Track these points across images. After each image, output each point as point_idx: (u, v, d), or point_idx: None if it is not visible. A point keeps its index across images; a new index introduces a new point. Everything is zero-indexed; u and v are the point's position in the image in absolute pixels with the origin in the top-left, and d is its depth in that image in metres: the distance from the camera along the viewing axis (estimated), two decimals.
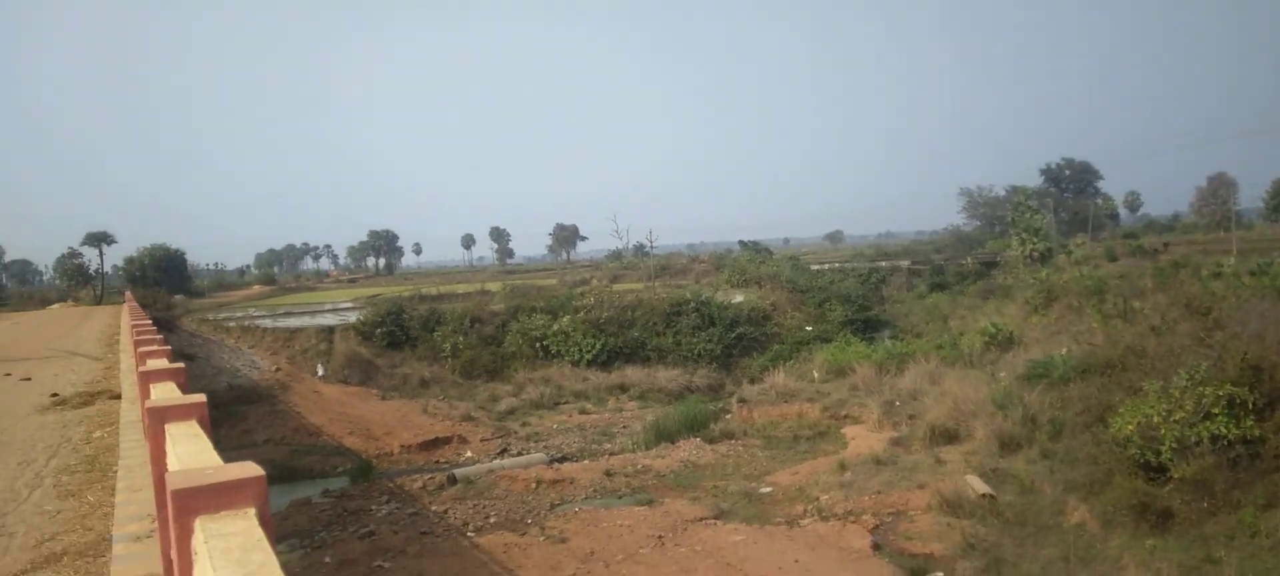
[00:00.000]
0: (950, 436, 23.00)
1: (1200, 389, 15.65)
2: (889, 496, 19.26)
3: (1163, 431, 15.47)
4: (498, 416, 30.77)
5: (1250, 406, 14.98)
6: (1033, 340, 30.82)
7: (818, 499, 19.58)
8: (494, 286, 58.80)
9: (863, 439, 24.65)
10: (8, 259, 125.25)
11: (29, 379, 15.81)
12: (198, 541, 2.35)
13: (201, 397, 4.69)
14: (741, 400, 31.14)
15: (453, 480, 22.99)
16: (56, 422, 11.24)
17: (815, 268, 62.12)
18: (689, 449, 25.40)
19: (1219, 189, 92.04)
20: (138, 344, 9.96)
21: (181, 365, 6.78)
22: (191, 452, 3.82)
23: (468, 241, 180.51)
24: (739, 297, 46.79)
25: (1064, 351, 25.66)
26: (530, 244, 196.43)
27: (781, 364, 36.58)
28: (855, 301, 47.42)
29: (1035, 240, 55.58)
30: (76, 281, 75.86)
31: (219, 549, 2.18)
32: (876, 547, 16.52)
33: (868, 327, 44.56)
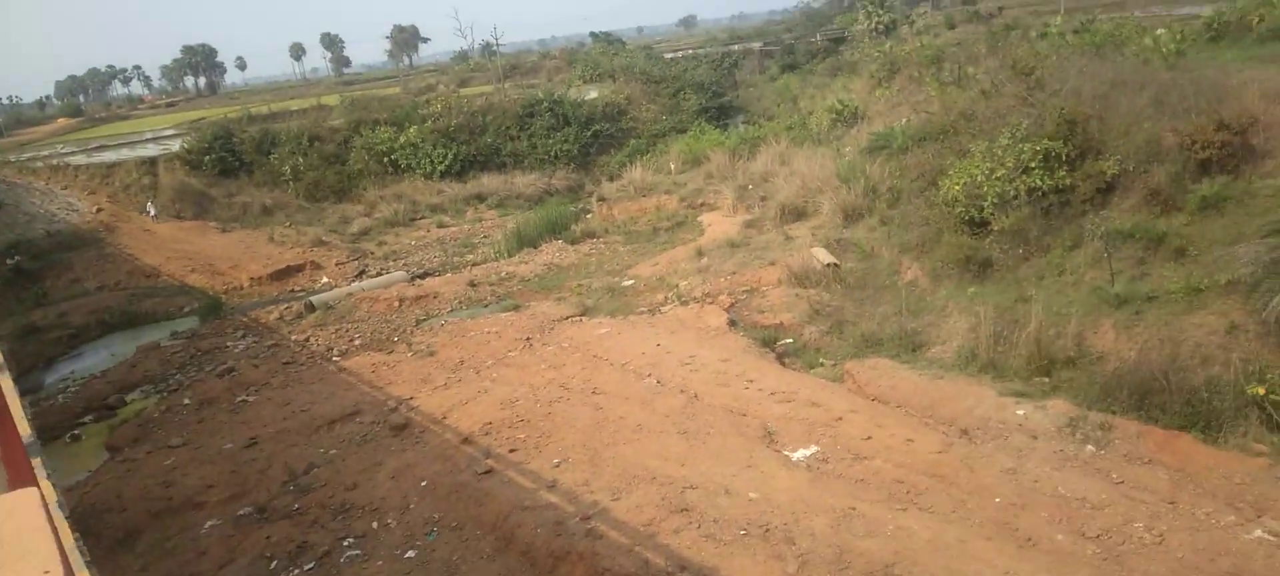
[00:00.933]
0: (799, 213, 24.03)
1: (1021, 146, 16.76)
2: (743, 275, 20.16)
3: (986, 188, 16.64)
4: (351, 238, 29.77)
5: (1064, 158, 16.18)
6: (877, 113, 31.91)
7: (677, 286, 20.28)
8: (331, 100, 55.20)
9: (718, 225, 25.40)
10: None
11: None
12: None
13: None
14: (601, 199, 31.27)
15: (310, 307, 22.39)
16: None
17: (669, 56, 61.28)
18: (552, 252, 25.54)
19: None
20: None
21: None
22: None
23: (297, 51, 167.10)
24: (593, 93, 45.87)
25: (904, 122, 26.77)
26: (367, 51, 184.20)
27: (639, 159, 36.69)
28: (709, 89, 47.42)
29: (880, 12, 56.33)
30: None
31: None
32: (732, 324, 17.42)
33: (722, 114, 44.92)
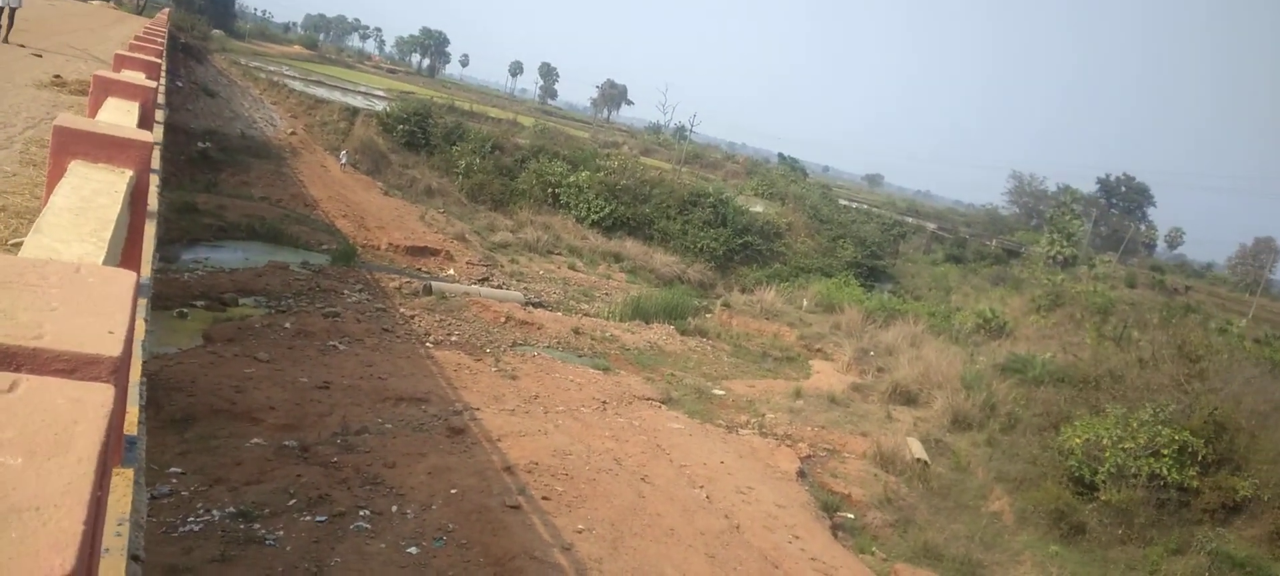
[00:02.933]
0: (910, 398, 23.24)
1: (1159, 428, 15.72)
2: (831, 433, 19.61)
3: (1108, 453, 15.64)
4: (490, 246, 31.01)
5: (1199, 459, 15.06)
6: (1024, 336, 30.76)
7: (763, 415, 19.94)
8: (527, 120, 58.21)
9: (827, 375, 24.90)
10: None
11: (40, 55, 15.85)
12: (66, 177, 2.35)
13: (154, 85, 4.67)
14: (726, 305, 31.33)
15: (428, 290, 23.36)
16: (48, 100, 11.32)
17: (843, 203, 61.36)
18: (660, 333, 25.70)
19: (1261, 252, 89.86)
20: (136, 42, 9.91)
21: (157, 62, 6.74)
22: (114, 119, 3.82)
23: (516, 68, 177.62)
24: (759, 207, 46.41)
25: (1048, 355, 25.66)
26: (576, 91, 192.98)
27: (776, 283, 36.63)
28: (869, 246, 47.06)
29: (1064, 244, 54.66)
30: None
31: (71, 184, 2.18)
32: (801, 474, 16.91)
33: (872, 275, 44.39)
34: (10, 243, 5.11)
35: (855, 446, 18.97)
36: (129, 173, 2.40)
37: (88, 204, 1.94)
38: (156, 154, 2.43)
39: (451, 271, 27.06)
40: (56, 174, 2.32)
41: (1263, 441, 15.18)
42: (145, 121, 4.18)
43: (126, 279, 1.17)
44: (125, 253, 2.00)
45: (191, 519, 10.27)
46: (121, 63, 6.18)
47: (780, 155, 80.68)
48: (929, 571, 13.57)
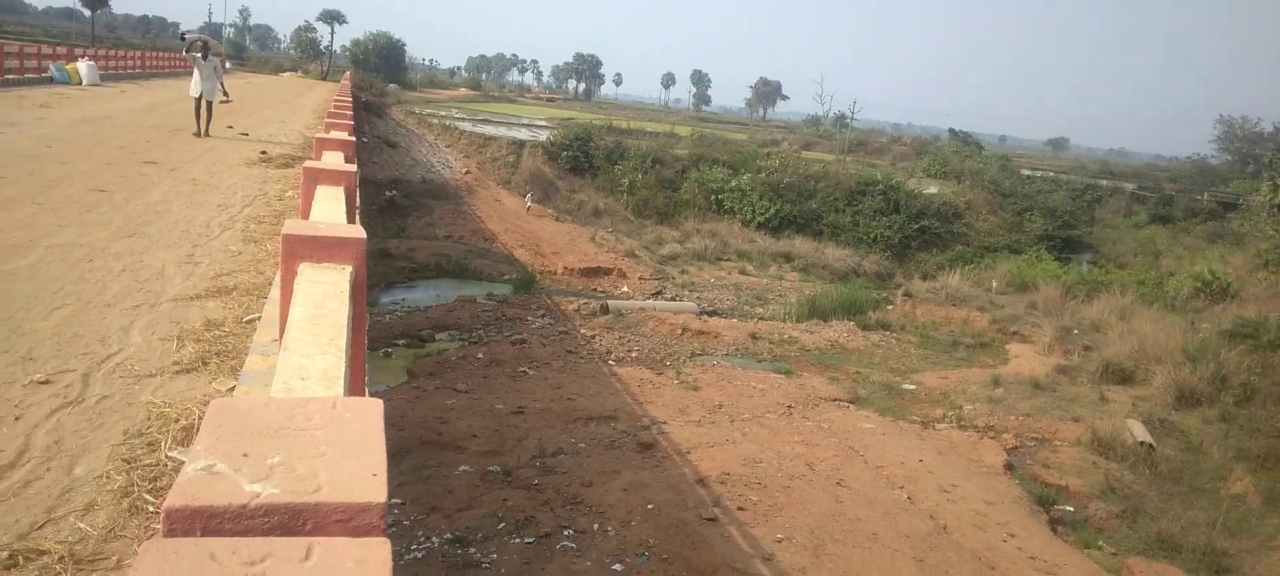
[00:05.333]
0: (1125, 377, 21.35)
1: None
2: (1038, 421, 18.34)
3: None
4: (660, 259, 31.43)
5: None
6: (1253, 297, 27.62)
7: (961, 407, 18.94)
8: (683, 130, 58.67)
9: (1027, 359, 23.34)
10: (252, 22, 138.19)
11: (247, 134, 17.66)
12: (298, 282, 2.66)
13: (352, 168, 5.09)
14: (907, 294, 30.06)
15: (605, 309, 23.97)
16: (258, 177, 12.58)
17: (1026, 172, 57.56)
18: (840, 330, 25.04)
19: None
20: (330, 116, 10.87)
21: (350, 138, 7.35)
22: (328, 211, 4.20)
23: (667, 80, 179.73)
24: (933, 188, 44.36)
25: None
26: (730, 94, 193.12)
27: (961, 266, 34.80)
28: (1060, 216, 43.79)
29: None
30: (308, 54, 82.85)
31: (304, 291, 2.45)
32: (1009, 467, 15.91)
33: (1067, 247, 41.27)
34: (245, 319, 5.67)
35: (1067, 433, 17.63)
36: (348, 268, 2.63)
37: (321, 310, 2.13)
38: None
39: (625, 288, 27.64)
40: (289, 277, 2.60)
41: None
42: (350, 205, 4.56)
43: (375, 411, 1.25)
44: (353, 342, 2.17)
45: (414, 547, 11.00)
46: (321, 146, 6.79)
47: (951, 131, 76.87)
48: (1167, 564, 12.37)
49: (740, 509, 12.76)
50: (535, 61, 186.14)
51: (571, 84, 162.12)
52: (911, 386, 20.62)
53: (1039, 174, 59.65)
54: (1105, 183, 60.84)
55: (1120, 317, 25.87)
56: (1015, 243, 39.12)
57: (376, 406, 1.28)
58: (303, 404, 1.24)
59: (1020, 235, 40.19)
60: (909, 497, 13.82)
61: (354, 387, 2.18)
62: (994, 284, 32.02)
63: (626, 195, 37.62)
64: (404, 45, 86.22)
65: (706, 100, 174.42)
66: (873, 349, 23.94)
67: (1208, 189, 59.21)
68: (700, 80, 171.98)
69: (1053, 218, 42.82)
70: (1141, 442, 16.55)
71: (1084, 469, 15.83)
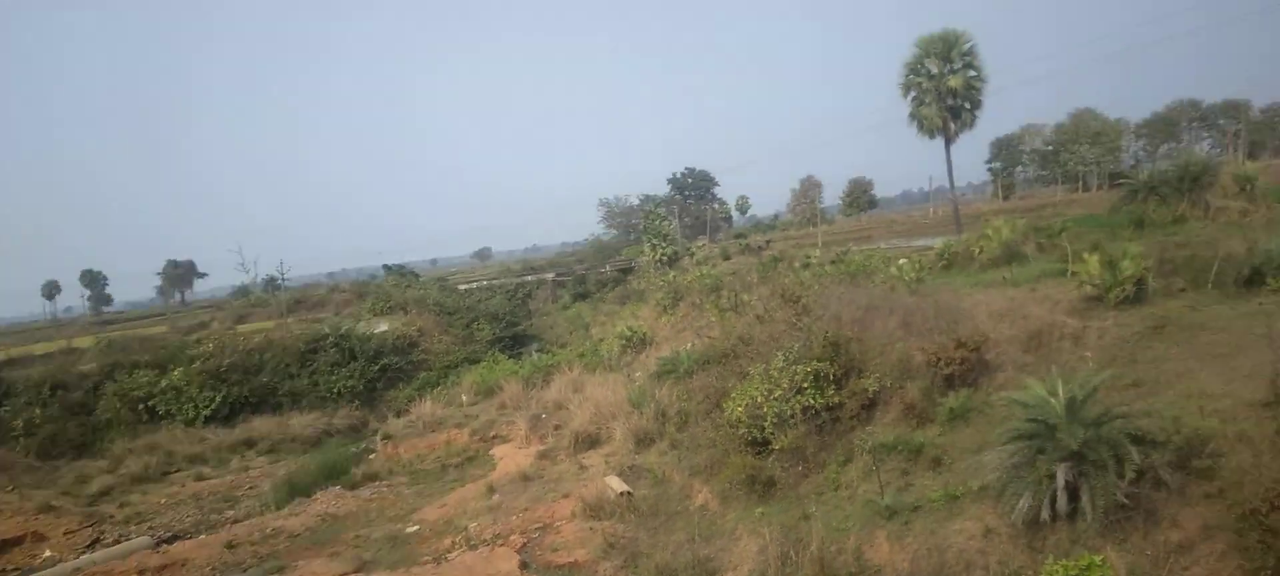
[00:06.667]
0: (593, 441, 23.74)
1: (794, 367, 17.57)
2: (536, 511, 19.25)
3: (765, 409, 17.14)
4: (88, 500, 25.92)
5: (831, 378, 17.09)
6: (664, 339, 33.04)
7: (466, 528, 18.99)
8: (85, 341, 50.18)
9: (511, 457, 24.53)
10: None
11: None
12: None
13: None
14: (386, 437, 29.53)
15: None
16: None
17: (463, 287, 61.53)
18: (327, 500, 23.41)
19: (808, 190, 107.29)
20: None
21: None
22: None
23: (50, 290, 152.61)
24: (383, 326, 44.64)
25: (688, 346, 27.76)
26: (135, 287, 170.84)
27: (429, 392, 35.52)
28: (503, 319, 47.65)
29: (664, 245, 60.12)
30: None
31: None
32: (524, 566, 16.33)
33: (516, 343, 44.98)
34: None
35: (563, 510, 18.80)
36: None
37: None
38: None
39: (48, 553, 22.10)
40: None
41: (868, 342, 17.72)
42: None
43: None
44: None
45: None
46: None
47: (386, 267, 78.75)
48: None
49: None
50: None
51: None
52: (414, 527, 20.07)
53: (475, 285, 64.38)
54: (531, 278, 68.14)
55: (575, 391, 28.83)
56: (472, 353, 41.28)
57: None
58: None
59: (475, 345, 42.58)
60: None
61: None
62: (463, 398, 33.26)
63: (24, 439, 30.52)
64: None
65: (107, 300, 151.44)
66: (366, 506, 22.81)
67: (607, 261, 70.18)
68: (93, 280, 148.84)
69: (497, 321, 46.39)
70: (621, 493, 18.41)
71: (585, 537, 16.97)
